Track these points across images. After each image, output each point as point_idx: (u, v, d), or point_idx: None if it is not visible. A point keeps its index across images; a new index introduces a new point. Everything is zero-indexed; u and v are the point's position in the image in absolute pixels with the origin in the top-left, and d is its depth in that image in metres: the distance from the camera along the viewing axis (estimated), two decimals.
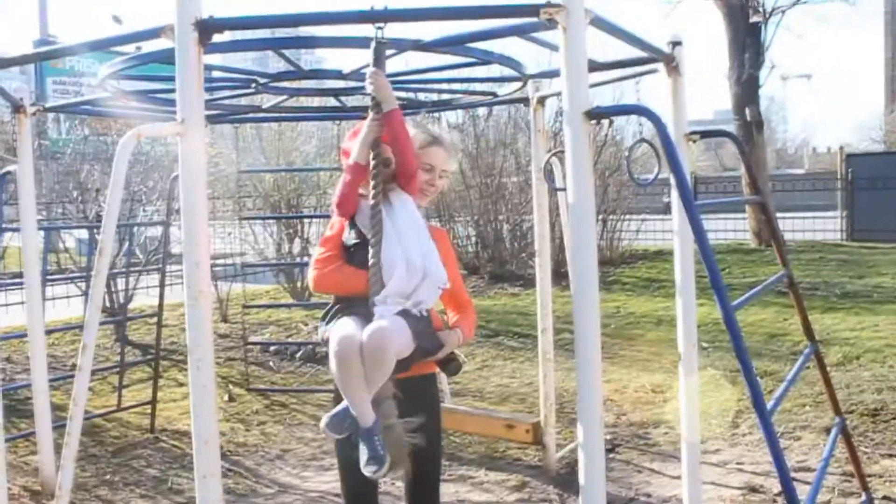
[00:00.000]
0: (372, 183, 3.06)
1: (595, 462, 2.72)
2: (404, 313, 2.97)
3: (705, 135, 3.76)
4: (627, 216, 15.88)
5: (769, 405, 2.64)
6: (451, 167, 3.47)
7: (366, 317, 2.98)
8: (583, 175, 2.66)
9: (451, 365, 3.22)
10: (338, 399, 3.14)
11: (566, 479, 5.03)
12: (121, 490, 5.14)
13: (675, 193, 3.85)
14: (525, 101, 5.25)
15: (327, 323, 3.11)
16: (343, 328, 2.95)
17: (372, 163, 3.05)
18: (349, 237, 3.16)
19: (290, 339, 9.23)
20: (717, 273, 2.54)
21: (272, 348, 8.79)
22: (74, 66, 21.11)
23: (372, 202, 3.03)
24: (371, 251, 3.00)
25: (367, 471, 2.92)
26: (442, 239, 3.27)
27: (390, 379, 2.97)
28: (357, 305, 3.06)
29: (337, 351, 2.86)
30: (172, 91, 2.62)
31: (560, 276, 8.00)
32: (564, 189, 5.25)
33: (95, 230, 7.97)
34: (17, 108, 4.87)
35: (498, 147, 14.30)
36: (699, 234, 2.57)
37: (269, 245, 12.47)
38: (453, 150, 3.54)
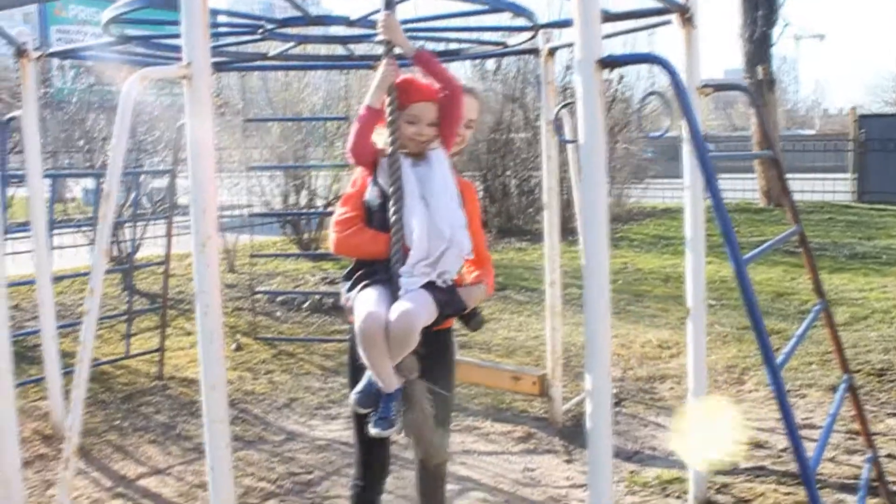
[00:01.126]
0: (389, 130, 3.00)
1: (602, 412, 2.71)
2: (430, 285, 2.94)
3: (719, 87, 3.71)
4: (634, 177, 15.82)
5: (779, 360, 2.63)
6: (477, 116, 3.40)
7: (390, 287, 2.97)
8: (594, 125, 2.62)
9: (474, 320, 3.18)
10: (354, 373, 3.12)
11: (571, 431, 5.05)
12: (130, 435, 5.19)
13: (686, 147, 3.81)
14: (535, 52, 5.17)
15: (350, 288, 3.05)
16: (367, 304, 2.92)
17: (388, 109, 3.00)
18: (371, 196, 3.09)
19: (297, 290, 9.25)
20: (728, 224, 2.51)
21: (279, 298, 8.82)
22: (78, 14, 20.95)
23: (389, 154, 2.97)
24: (392, 210, 2.93)
25: (373, 429, 2.95)
26: (469, 192, 3.17)
27: None
28: (380, 271, 3.01)
29: (363, 329, 2.85)
30: (177, 37, 2.57)
31: (567, 231, 7.98)
32: (574, 142, 5.21)
33: (101, 179, 7.96)
34: (21, 53, 4.81)
35: (506, 101, 14.20)
36: (711, 184, 2.53)
37: (276, 196, 12.45)
38: (482, 99, 3.42)
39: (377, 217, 3.07)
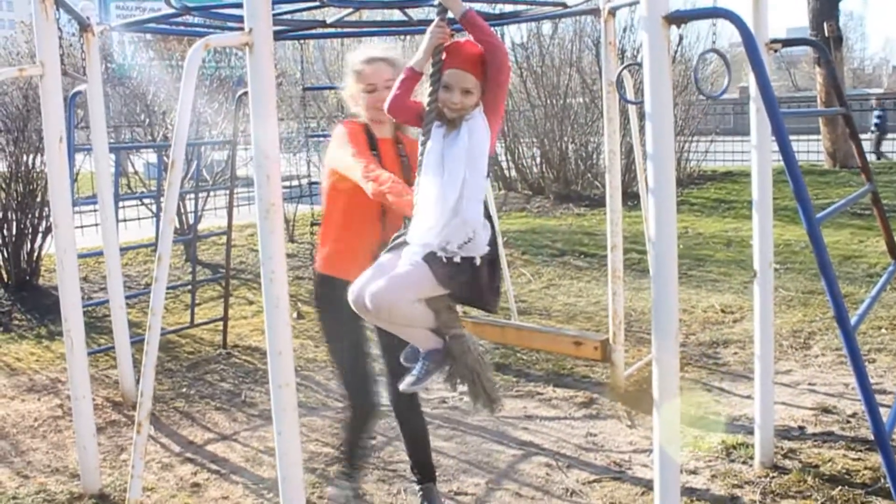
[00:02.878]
0: (428, 95, 2.96)
1: (670, 377, 2.68)
2: (431, 257, 2.86)
3: (788, 43, 3.60)
4: (696, 137, 15.52)
5: (852, 321, 2.56)
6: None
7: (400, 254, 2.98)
8: (661, 84, 2.56)
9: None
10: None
11: (634, 396, 5.01)
12: (196, 402, 5.29)
13: (753, 106, 3.72)
14: (595, 12, 5.08)
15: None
16: (360, 278, 2.92)
17: (432, 73, 2.96)
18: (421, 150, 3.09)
19: None
20: (801, 183, 2.44)
21: None
22: None
23: (424, 119, 2.95)
24: (417, 176, 2.94)
25: (403, 384, 3.01)
26: None
27: (441, 296, 2.94)
28: (402, 235, 3.02)
29: (352, 304, 2.89)
30: (236, 6, 2.57)
31: (626, 196, 7.87)
32: (636, 102, 5.13)
33: (164, 152, 8.06)
34: (85, 28, 4.88)
35: (563, 66, 14.02)
36: (782, 141, 2.46)
37: None
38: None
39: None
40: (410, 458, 3.80)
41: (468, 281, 2.99)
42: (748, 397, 4.79)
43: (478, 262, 2.92)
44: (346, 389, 3.72)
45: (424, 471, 3.73)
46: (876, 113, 19.65)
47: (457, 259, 2.88)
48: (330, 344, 3.75)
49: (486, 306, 3.15)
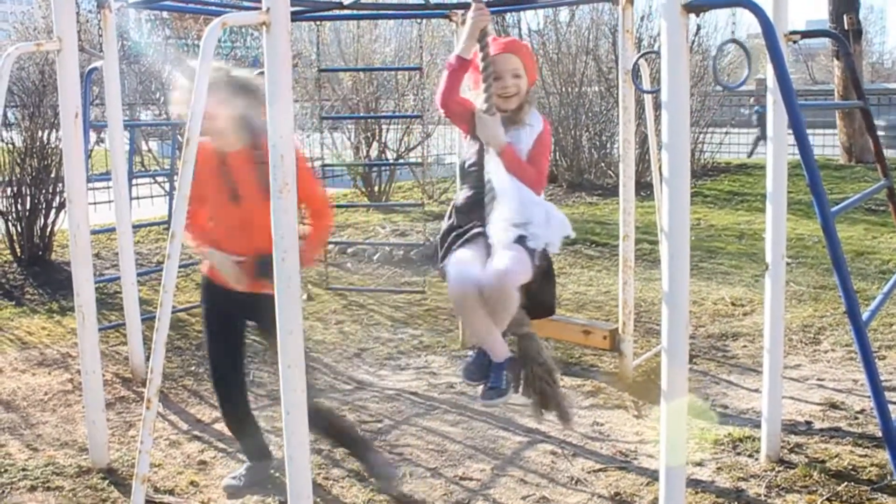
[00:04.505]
0: (484, 82, 2.97)
1: (679, 369, 2.68)
2: (522, 241, 2.91)
3: (807, 34, 3.57)
4: (711, 129, 15.45)
5: (864, 316, 2.55)
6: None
7: (483, 245, 2.98)
8: (678, 73, 2.55)
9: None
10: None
11: (642, 386, 5.01)
12: (205, 381, 5.31)
13: (770, 98, 3.69)
14: None
15: (443, 256, 3.08)
16: (459, 265, 2.90)
17: (480, 61, 2.97)
18: (468, 154, 3.13)
19: (367, 241, 9.32)
20: (817, 175, 2.43)
21: (350, 250, 8.89)
22: None
23: (486, 109, 2.95)
24: (487, 166, 2.98)
25: (484, 399, 3.01)
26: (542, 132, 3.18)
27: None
28: (473, 227, 3.05)
29: (455, 295, 2.85)
30: None
31: (639, 186, 7.85)
32: (652, 91, 5.10)
33: (179, 130, 8.07)
34: (102, 5, 4.88)
35: (579, 54, 13.95)
36: (799, 132, 2.45)
37: (348, 149, 12.51)
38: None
39: (472, 175, 3.07)
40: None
41: (546, 271, 3.01)
42: (756, 391, 4.78)
43: (550, 252, 2.96)
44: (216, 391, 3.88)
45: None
46: (755, 109, 19.30)
47: (539, 246, 2.95)
48: (208, 344, 3.89)
49: (551, 301, 3.19)
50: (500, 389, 3.02)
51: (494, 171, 3.06)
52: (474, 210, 3.15)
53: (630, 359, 5.18)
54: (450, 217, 3.26)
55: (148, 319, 5.12)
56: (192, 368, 5.55)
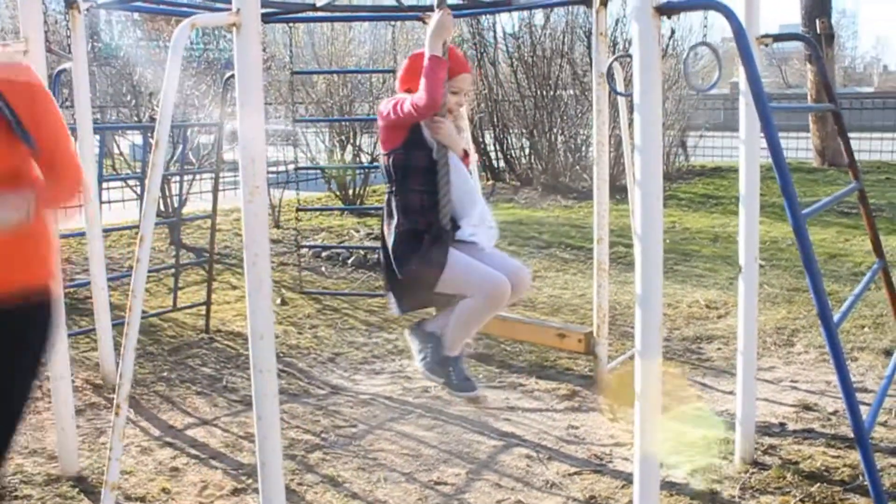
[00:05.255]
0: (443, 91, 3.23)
1: (652, 371, 2.69)
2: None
3: (778, 38, 3.61)
4: (686, 132, 15.56)
5: (836, 318, 2.57)
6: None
7: (469, 248, 3.46)
8: (650, 75, 2.56)
9: None
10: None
11: (616, 389, 5.01)
12: (177, 386, 5.27)
13: (742, 101, 3.72)
14: (587, 2, 5.07)
15: (425, 258, 3.40)
16: (482, 268, 3.34)
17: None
18: (417, 156, 3.37)
19: (342, 245, 9.30)
20: (788, 177, 2.45)
21: (324, 254, 8.87)
22: None
23: (437, 115, 3.26)
24: (443, 170, 3.36)
25: (461, 394, 3.49)
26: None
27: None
28: (436, 230, 3.41)
29: (498, 295, 3.29)
30: None
31: (614, 189, 7.89)
32: (626, 94, 5.13)
33: (150, 133, 8.02)
34: (70, 5, 4.83)
35: (554, 57, 14.02)
36: (770, 135, 2.47)
37: (322, 152, 12.49)
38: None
39: (423, 177, 3.31)
40: None
41: None
42: (730, 393, 4.81)
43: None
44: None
45: None
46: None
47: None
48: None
49: None
50: (472, 380, 3.49)
51: (459, 173, 3.43)
52: (428, 211, 3.44)
53: (605, 362, 5.20)
54: (397, 218, 3.49)
55: (119, 325, 5.07)
56: (164, 374, 5.50)
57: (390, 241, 3.51)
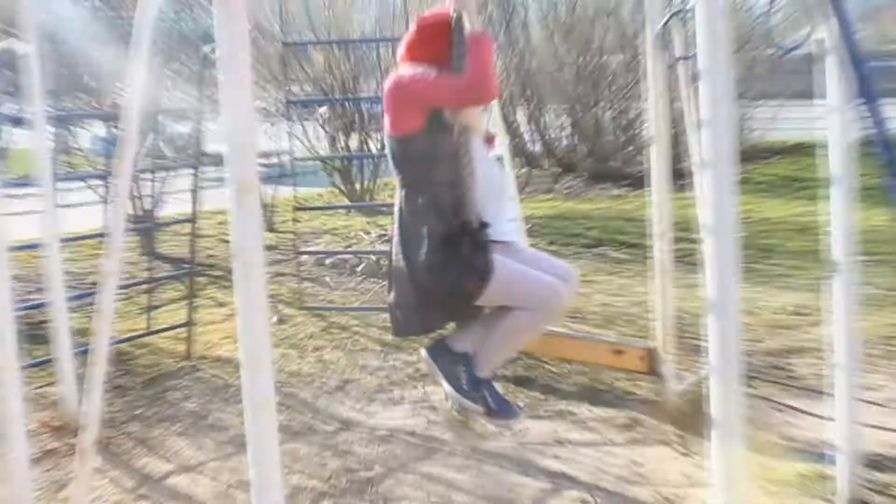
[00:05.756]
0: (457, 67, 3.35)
1: (730, 394, 2.67)
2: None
3: None
4: (761, 101, 15.48)
5: None
6: None
7: (510, 250, 3.66)
8: (718, 34, 2.54)
9: None
10: None
11: (687, 417, 4.98)
12: (155, 426, 5.30)
13: (831, 60, 3.69)
14: None
15: (465, 263, 3.48)
16: (534, 274, 3.50)
17: (455, 42, 3.26)
18: (434, 142, 3.45)
19: (349, 250, 9.31)
20: (892, 151, 2.41)
21: (328, 261, 8.89)
22: None
23: None
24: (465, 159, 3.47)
25: (502, 421, 3.52)
26: None
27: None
28: (470, 234, 3.50)
29: (556, 304, 3.51)
30: None
31: (675, 173, 7.83)
32: (688, 58, 5.09)
33: (114, 123, 8.07)
34: None
35: (598, 16, 13.99)
36: (870, 99, 2.43)
37: (322, 140, 12.51)
38: None
39: (450, 167, 3.37)
40: None
41: None
42: (828, 418, 4.76)
43: None
44: None
45: None
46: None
47: None
48: None
49: None
50: (511, 403, 3.73)
51: (483, 160, 3.61)
52: (460, 209, 3.54)
53: (672, 383, 5.17)
54: (426, 219, 3.57)
55: (83, 354, 5.10)
56: (139, 411, 5.53)
57: (422, 250, 3.51)
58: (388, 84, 3.68)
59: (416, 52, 3.61)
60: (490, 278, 3.42)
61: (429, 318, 3.72)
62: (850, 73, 2.53)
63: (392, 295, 3.81)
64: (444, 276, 3.47)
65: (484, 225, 3.56)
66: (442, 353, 3.73)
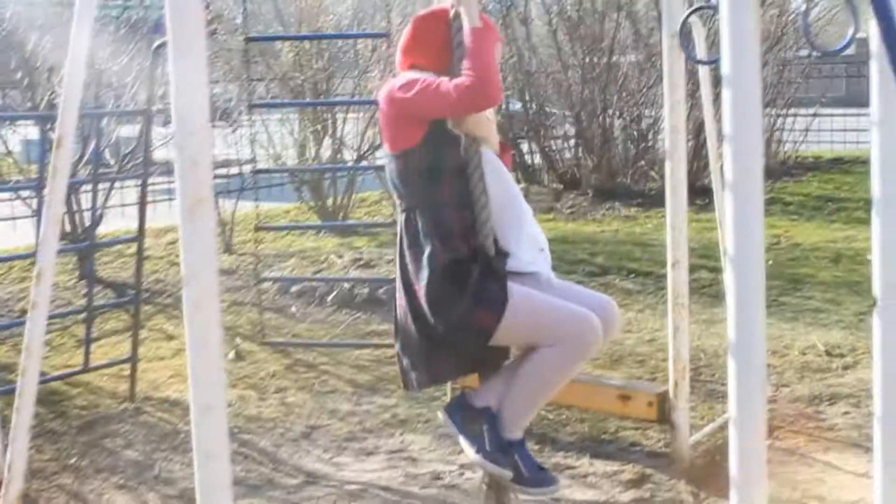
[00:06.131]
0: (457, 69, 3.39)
1: (753, 446, 2.67)
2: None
3: None
4: (793, 110, 15.56)
5: None
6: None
7: (534, 281, 3.59)
8: (745, 33, 2.56)
9: None
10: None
11: (704, 472, 5.00)
12: (91, 478, 5.27)
13: (875, 66, 3.71)
14: None
15: (474, 293, 3.45)
16: (565, 307, 3.43)
17: (455, 41, 3.31)
18: (439, 155, 3.49)
19: (319, 276, 9.30)
20: None
21: (294, 288, 8.87)
22: None
23: None
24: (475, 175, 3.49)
25: (538, 493, 3.62)
26: None
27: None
28: (488, 256, 3.51)
29: (592, 340, 3.40)
30: None
31: (693, 192, 7.88)
32: (712, 62, 5.12)
33: (49, 125, 8.05)
34: None
35: (609, 10, 14.06)
36: None
37: (289, 148, 12.52)
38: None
39: (457, 184, 3.38)
40: None
41: None
42: (865, 475, 4.78)
43: None
44: None
45: None
46: None
47: None
48: None
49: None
50: (548, 471, 3.70)
51: (499, 176, 3.60)
52: (470, 232, 3.51)
53: (686, 433, 5.17)
54: (429, 244, 3.51)
55: (7, 393, 5.08)
56: (73, 461, 5.50)
57: (422, 280, 3.47)
58: (380, 96, 3.68)
59: (414, 57, 3.61)
60: (505, 309, 3.36)
61: (438, 366, 3.61)
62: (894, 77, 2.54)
63: (398, 341, 3.73)
64: (450, 310, 3.39)
65: (503, 254, 3.54)
66: (460, 411, 3.64)
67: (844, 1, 2.80)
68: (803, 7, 3.42)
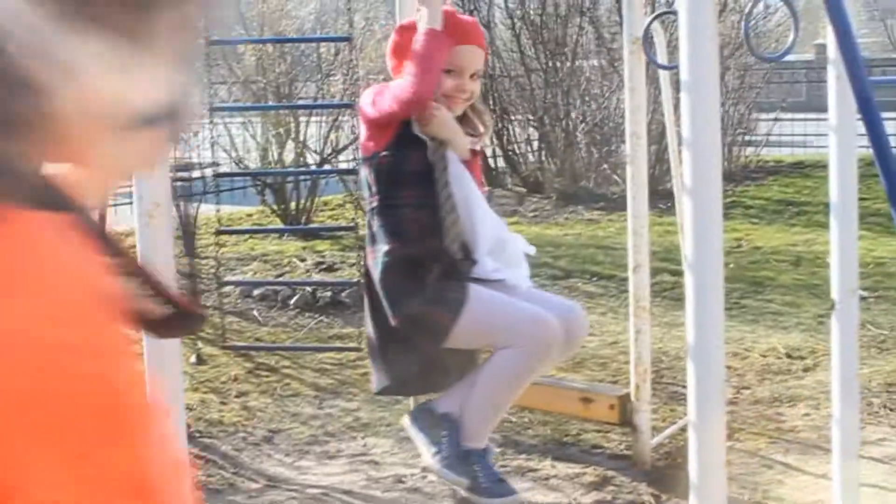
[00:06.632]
0: None
1: (712, 448, 2.68)
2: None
3: None
4: (754, 114, 15.65)
5: None
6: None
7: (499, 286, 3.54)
8: (704, 39, 2.57)
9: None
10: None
11: (664, 474, 5.02)
12: None
13: (832, 72, 3.73)
14: None
15: (431, 291, 3.38)
16: (525, 308, 3.37)
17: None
18: (405, 159, 3.44)
19: (281, 279, 9.27)
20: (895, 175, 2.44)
21: (256, 292, 8.84)
22: None
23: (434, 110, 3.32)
24: (442, 182, 3.42)
25: (496, 497, 3.43)
26: None
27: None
28: (451, 259, 3.45)
29: (548, 341, 3.30)
30: None
31: (655, 195, 7.91)
32: (672, 67, 5.14)
33: None
34: None
35: (571, 15, 14.09)
36: (872, 119, 2.46)
37: (252, 151, 12.46)
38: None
39: (419, 186, 3.34)
40: None
41: None
42: (823, 476, 4.80)
43: None
44: None
45: None
46: None
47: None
48: None
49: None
50: (507, 482, 3.52)
51: (462, 182, 3.51)
52: (429, 234, 3.44)
53: (648, 436, 5.19)
54: (384, 242, 3.50)
55: None
56: None
57: (376, 274, 3.47)
58: (359, 106, 3.70)
59: (396, 66, 3.60)
60: (462, 307, 3.31)
61: (399, 368, 3.59)
62: (850, 85, 2.56)
63: (369, 338, 3.71)
64: (406, 305, 3.37)
65: (471, 259, 3.54)
66: (423, 416, 3.61)
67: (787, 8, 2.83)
68: (748, 9, 3.44)
